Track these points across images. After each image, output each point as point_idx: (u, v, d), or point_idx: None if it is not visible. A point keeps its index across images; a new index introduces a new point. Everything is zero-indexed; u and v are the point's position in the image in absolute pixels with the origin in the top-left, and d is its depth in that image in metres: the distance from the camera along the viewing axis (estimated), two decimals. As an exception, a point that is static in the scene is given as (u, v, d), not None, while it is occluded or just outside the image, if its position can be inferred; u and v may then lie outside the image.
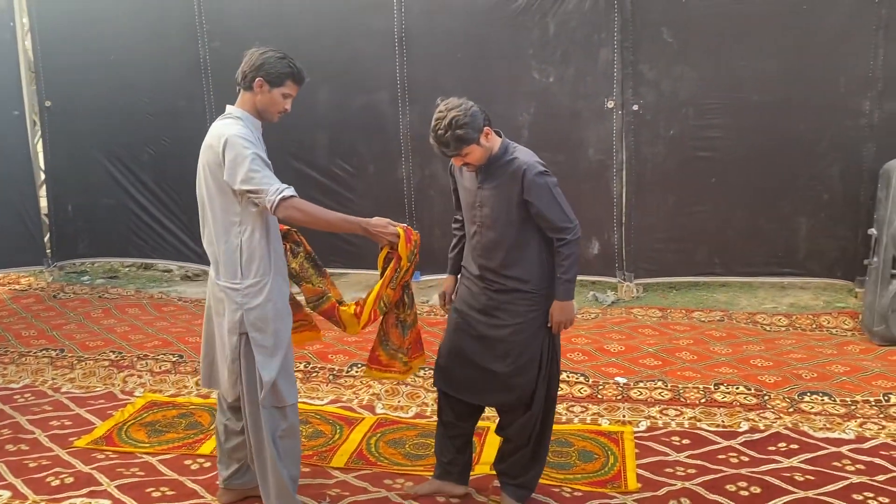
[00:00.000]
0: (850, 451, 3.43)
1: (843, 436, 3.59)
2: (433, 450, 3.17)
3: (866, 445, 3.48)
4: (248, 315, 2.69)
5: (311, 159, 6.24)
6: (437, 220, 6.02)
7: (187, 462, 3.46)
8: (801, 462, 3.34)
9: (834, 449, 3.45)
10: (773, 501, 3.01)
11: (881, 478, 3.18)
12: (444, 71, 5.83)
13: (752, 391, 4.12)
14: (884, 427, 3.68)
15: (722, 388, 4.17)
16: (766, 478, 3.18)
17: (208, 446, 3.58)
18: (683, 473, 3.26)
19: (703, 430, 3.69)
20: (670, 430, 3.70)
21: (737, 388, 4.14)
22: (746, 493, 3.08)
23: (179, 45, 6.32)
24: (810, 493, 3.06)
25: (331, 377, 4.49)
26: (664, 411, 3.92)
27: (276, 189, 2.56)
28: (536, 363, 2.87)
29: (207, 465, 3.42)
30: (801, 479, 3.18)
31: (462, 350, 2.95)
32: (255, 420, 2.76)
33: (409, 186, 6.07)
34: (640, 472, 3.29)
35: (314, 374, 4.54)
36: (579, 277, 5.91)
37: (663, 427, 3.73)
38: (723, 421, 3.78)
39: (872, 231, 5.04)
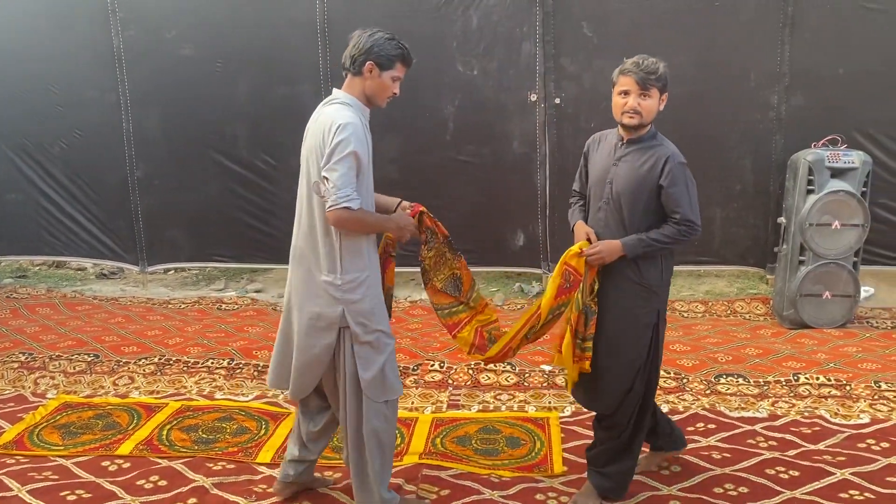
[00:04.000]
0: (763, 428, 3.59)
1: (757, 414, 3.75)
2: None
3: (778, 423, 3.65)
4: (350, 309, 2.64)
5: (232, 152, 6.08)
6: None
7: (105, 464, 3.33)
8: (718, 441, 3.47)
9: (748, 427, 3.60)
10: (692, 478, 3.12)
11: (792, 452, 3.33)
12: (367, 62, 5.78)
13: (672, 375, 4.25)
14: (794, 405, 3.86)
15: (643, 372, 4.29)
16: (686, 457, 3.29)
17: (127, 446, 3.46)
18: (607, 455, 3.34)
19: (626, 413, 3.78)
20: (594, 413, 3.77)
21: (657, 372, 4.27)
22: (667, 472, 3.18)
23: (90, 34, 6.05)
24: (727, 470, 3.19)
25: (255, 373, 4.40)
26: (588, 396, 4.00)
27: (345, 195, 2.49)
28: (636, 366, 2.81)
29: (127, 465, 3.31)
30: (719, 456, 3.31)
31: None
32: (357, 414, 2.71)
33: (333, 179, 6.00)
34: (567, 455, 3.36)
35: (239, 371, 4.44)
36: (505, 269, 5.96)
37: (587, 412, 3.80)
38: (644, 404, 3.89)
39: (782, 220, 5.28)
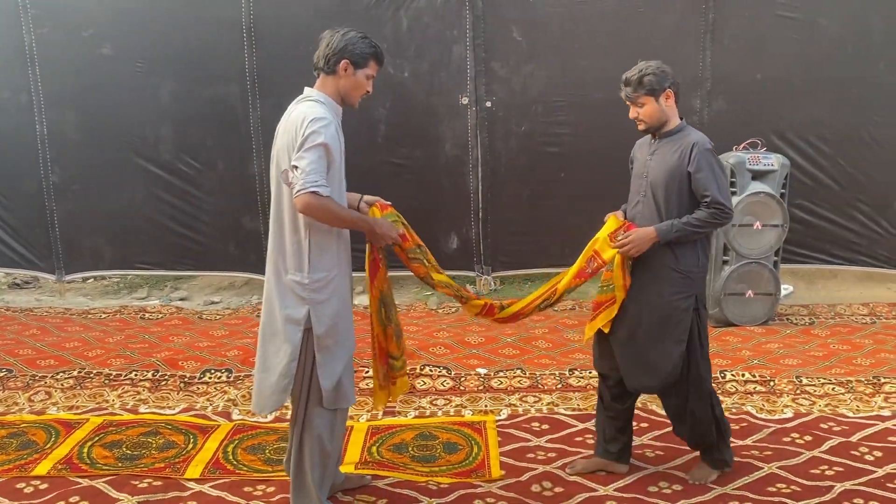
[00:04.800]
0: (693, 425, 3.66)
1: (687, 411, 3.82)
2: None
3: (707, 419, 3.73)
4: (316, 310, 2.60)
5: (155, 155, 5.87)
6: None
7: (20, 486, 3.13)
8: (651, 439, 3.52)
9: (679, 424, 3.67)
10: (626, 479, 3.16)
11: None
12: (296, 63, 5.60)
13: (605, 375, 4.31)
14: (721, 402, 3.95)
15: (576, 373, 4.33)
16: (621, 456, 3.33)
17: (44, 466, 3.26)
18: (544, 457, 3.35)
19: (561, 414, 3.81)
20: (530, 416, 3.79)
21: (590, 373, 4.32)
22: (603, 472, 3.21)
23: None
24: (660, 468, 3.23)
25: (182, 385, 4.24)
26: (524, 398, 4.01)
27: (313, 180, 2.44)
28: (679, 350, 2.88)
29: (44, 486, 3.12)
30: (652, 455, 3.36)
31: (611, 332, 2.99)
32: (307, 421, 2.67)
33: (261, 183, 5.85)
34: (504, 459, 3.35)
35: (164, 383, 4.27)
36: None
37: (523, 414, 3.82)
38: (578, 404, 3.93)
39: (706, 220, 5.42)
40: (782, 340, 4.96)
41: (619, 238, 2.89)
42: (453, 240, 5.91)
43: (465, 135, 5.74)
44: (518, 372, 4.36)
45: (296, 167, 2.48)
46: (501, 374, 4.34)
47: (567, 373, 4.34)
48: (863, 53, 5.45)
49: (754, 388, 4.13)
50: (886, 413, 3.78)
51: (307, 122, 2.50)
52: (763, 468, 3.21)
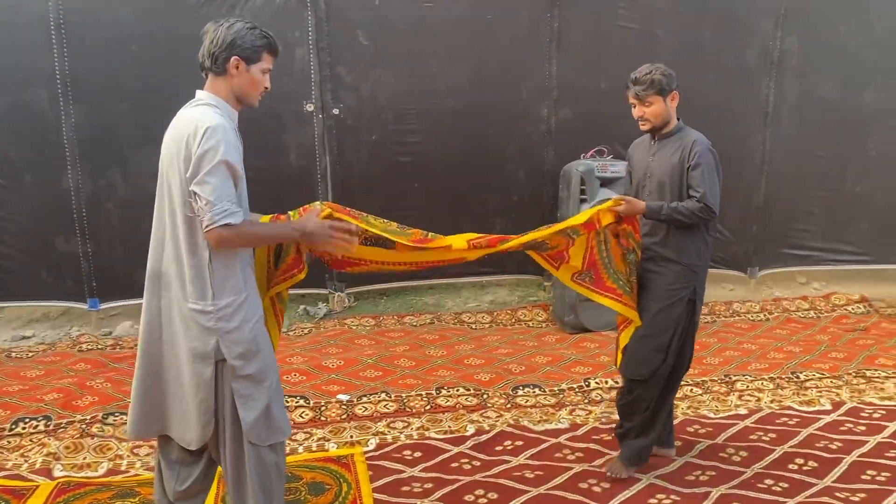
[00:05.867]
0: (567, 440, 3.58)
1: (559, 426, 3.74)
2: None
3: (580, 432, 3.66)
4: (226, 339, 2.23)
5: (-56, 169, 5.02)
6: (116, 236, 5.21)
7: None
8: (527, 458, 3.38)
9: (553, 440, 3.57)
10: (511, 504, 2.99)
11: (598, 462, 3.34)
12: (117, 64, 5.06)
13: (472, 391, 4.14)
14: (590, 412, 3.92)
15: (444, 391, 4.13)
16: (501, 480, 3.16)
17: None
18: (421, 489, 3.11)
19: (433, 438, 3.58)
20: (400, 443, 3.53)
21: (457, 391, 4.14)
22: (485, 501, 3.01)
23: None
24: (542, 490, 3.09)
25: (-13, 439, 3.58)
26: (391, 424, 3.75)
27: (222, 210, 2.12)
28: (667, 338, 3.05)
29: None
30: (532, 475, 3.22)
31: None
32: (239, 461, 2.32)
33: (78, 199, 5.15)
34: (377, 496, 3.06)
35: (-37, 439, 3.58)
36: (290, 291, 5.45)
37: (393, 442, 3.55)
38: (449, 426, 3.72)
39: (559, 228, 5.45)
40: (636, 344, 5.04)
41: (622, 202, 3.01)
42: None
43: (312, 144, 5.39)
44: (383, 395, 4.08)
45: (197, 194, 2.13)
46: (365, 398, 4.04)
47: (434, 392, 4.12)
48: (695, 64, 5.70)
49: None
50: (743, 411, 3.91)
51: (201, 134, 2.14)
52: (642, 479, 3.17)
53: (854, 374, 4.45)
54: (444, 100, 5.51)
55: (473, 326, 5.42)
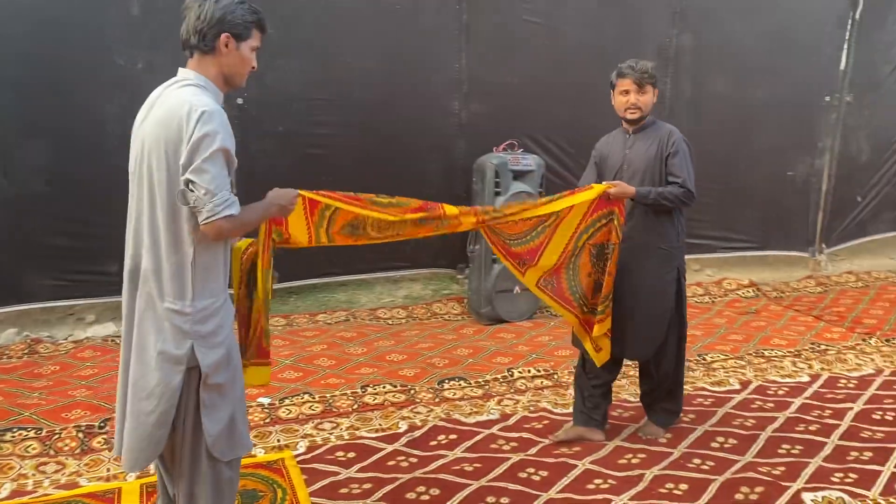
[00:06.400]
0: (500, 430, 3.58)
1: (490, 417, 3.74)
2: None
3: (511, 422, 3.67)
4: (201, 345, 2.06)
5: None
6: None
7: None
8: (463, 451, 3.36)
9: (487, 431, 3.56)
10: (454, 498, 2.95)
11: (533, 450, 3.36)
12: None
13: (399, 387, 4.08)
14: (518, 401, 3.94)
15: (369, 389, 4.04)
16: (441, 476, 3.12)
17: None
18: (360, 490, 3.02)
19: (365, 438, 3.49)
20: (332, 445, 3.42)
21: (383, 388, 4.06)
22: (427, 497, 2.96)
23: None
24: (483, 482, 3.07)
25: None
26: (319, 426, 3.63)
27: (223, 201, 1.98)
28: (667, 318, 3.29)
29: None
30: (471, 468, 3.19)
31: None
32: (194, 476, 2.15)
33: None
34: (315, 500, 2.95)
35: None
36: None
37: (324, 444, 3.44)
38: (380, 424, 3.65)
39: (473, 221, 5.45)
40: (550, 332, 5.14)
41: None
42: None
43: (215, 135, 5.12)
44: (306, 397, 3.94)
45: (194, 183, 1.96)
46: (288, 401, 3.89)
47: (360, 390, 4.02)
48: (599, 59, 5.84)
49: (542, 384, 4.18)
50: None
51: (195, 118, 1.96)
52: (578, 465, 3.21)
53: (754, 354, 4.71)
54: (354, 92, 5.39)
55: (390, 322, 5.35)
